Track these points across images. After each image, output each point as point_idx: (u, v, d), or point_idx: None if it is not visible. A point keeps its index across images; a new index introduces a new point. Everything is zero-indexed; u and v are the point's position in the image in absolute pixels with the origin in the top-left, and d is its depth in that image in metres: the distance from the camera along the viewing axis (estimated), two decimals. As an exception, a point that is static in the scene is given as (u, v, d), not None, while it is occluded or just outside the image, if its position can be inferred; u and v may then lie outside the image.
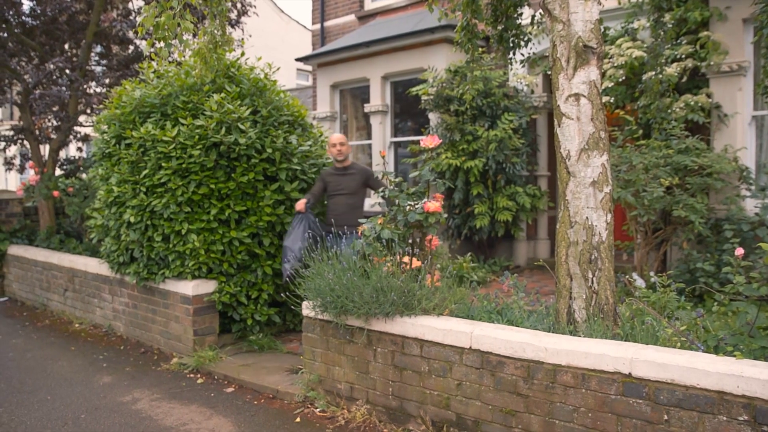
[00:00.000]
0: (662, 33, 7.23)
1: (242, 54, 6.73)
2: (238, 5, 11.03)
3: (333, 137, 6.21)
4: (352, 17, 13.09)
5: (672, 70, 7.17)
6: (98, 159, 6.70)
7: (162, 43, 5.19)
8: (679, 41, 7.50)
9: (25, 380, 5.59)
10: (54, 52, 10.10)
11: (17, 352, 6.51)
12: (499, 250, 9.98)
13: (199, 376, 5.66)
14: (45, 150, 10.31)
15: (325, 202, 6.42)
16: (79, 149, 11.74)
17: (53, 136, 10.44)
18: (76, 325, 7.61)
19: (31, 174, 9.99)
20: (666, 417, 3.10)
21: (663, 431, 3.11)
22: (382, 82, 11.12)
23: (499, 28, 6.69)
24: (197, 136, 5.82)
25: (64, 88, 9.67)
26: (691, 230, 6.50)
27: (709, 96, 7.41)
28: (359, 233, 4.82)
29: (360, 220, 4.81)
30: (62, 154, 10.92)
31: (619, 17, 8.35)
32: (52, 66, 9.07)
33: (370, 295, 4.25)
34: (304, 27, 26.70)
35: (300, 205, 5.88)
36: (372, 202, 5.48)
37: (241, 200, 6.05)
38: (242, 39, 6.81)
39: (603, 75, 5.19)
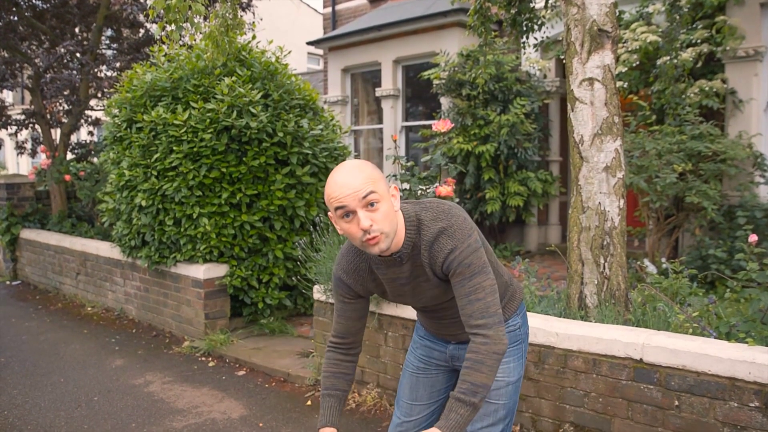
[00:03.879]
0: (677, 17, 7.14)
1: (253, 37, 6.70)
2: (250, -12, 10.98)
3: (337, 183, 1.85)
4: (363, 1, 13.01)
5: (687, 55, 7.09)
6: (109, 143, 6.71)
7: (173, 26, 5.16)
8: (694, 26, 7.41)
9: (39, 363, 5.65)
10: (65, 35, 10.08)
11: (31, 335, 6.57)
12: (510, 235, 9.96)
13: (210, 359, 5.70)
14: (56, 134, 10.33)
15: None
16: (90, 133, 11.77)
17: (64, 120, 10.46)
18: (89, 309, 7.67)
19: (42, 158, 10.03)
20: (677, 403, 3.09)
21: (673, 417, 3.11)
22: (394, 66, 11.07)
23: (513, 11, 6.63)
24: (208, 120, 5.81)
25: (74, 72, 9.68)
26: (703, 217, 6.46)
27: (724, 81, 7.33)
28: None
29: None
30: (73, 138, 10.92)
31: (634, 1, 8.25)
32: (62, 50, 9.05)
33: (381, 279, 4.24)
34: (315, 10, 26.63)
35: None
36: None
37: (252, 184, 6.04)
38: (253, 22, 6.78)
39: (617, 60, 5.10)
